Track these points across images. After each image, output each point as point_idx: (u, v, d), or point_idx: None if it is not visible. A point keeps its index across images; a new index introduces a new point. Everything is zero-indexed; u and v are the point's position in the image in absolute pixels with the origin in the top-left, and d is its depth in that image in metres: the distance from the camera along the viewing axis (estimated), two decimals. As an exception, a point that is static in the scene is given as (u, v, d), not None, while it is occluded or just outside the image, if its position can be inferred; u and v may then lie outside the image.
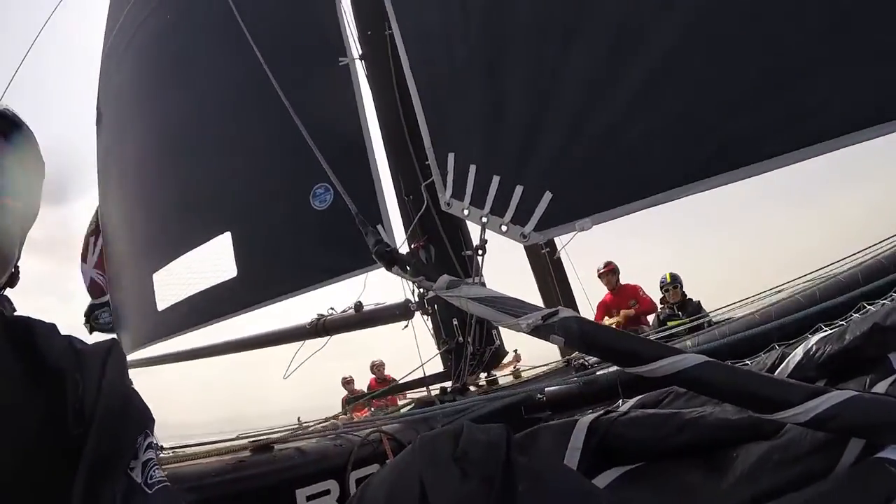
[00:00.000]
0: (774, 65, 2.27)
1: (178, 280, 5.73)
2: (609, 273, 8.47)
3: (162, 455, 2.47)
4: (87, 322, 6.94)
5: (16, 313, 1.07)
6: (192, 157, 5.77)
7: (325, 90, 4.60)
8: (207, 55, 5.80)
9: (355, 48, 4.89)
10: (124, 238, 6.76)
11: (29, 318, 1.00)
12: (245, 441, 2.85)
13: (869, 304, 2.30)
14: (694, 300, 7.57)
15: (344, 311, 4.78)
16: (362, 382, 10.70)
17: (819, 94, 2.17)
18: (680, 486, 1.77)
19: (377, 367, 10.30)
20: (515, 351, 6.61)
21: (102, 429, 0.89)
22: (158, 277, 5.96)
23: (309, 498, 2.36)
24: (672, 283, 7.69)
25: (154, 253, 6.04)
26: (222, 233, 5.22)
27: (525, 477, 1.48)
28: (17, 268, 1.10)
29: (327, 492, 2.42)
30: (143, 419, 1.02)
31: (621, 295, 8.42)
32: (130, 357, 6.43)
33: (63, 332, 1.01)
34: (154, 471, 0.96)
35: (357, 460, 2.53)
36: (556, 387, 3.46)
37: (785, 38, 2.27)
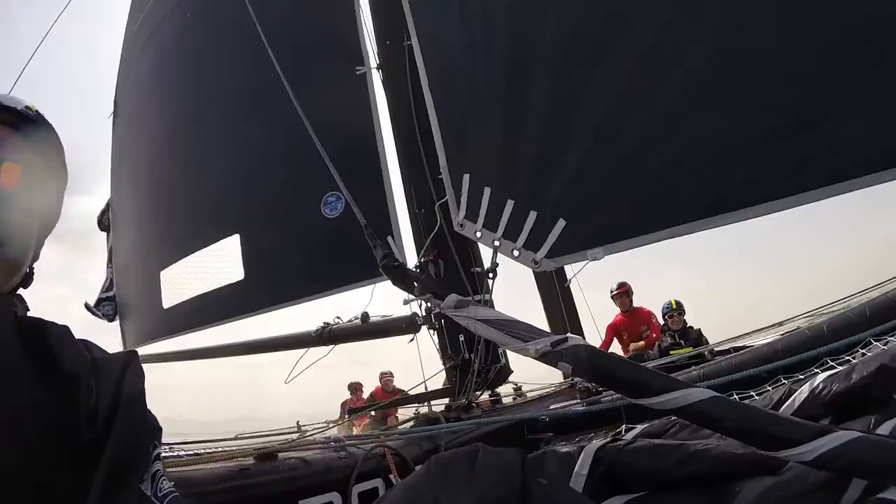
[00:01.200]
0: (799, 102, 2.28)
1: (185, 279, 5.76)
2: (623, 294, 8.36)
3: (166, 457, 2.48)
4: (88, 307, 6.97)
5: (29, 313, 1.05)
6: (204, 157, 5.80)
7: (340, 98, 4.63)
8: (223, 59, 5.84)
9: (373, 57, 4.91)
10: (134, 233, 6.79)
11: (43, 321, 0.98)
12: (248, 444, 2.85)
13: (876, 341, 2.30)
14: (694, 328, 7.52)
15: (350, 320, 4.78)
16: (367, 392, 10.68)
17: (849, 133, 2.18)
18: (682, 518, 1.79)
19: (385, 378, 10.29)
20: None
21: (121, 439, 0.89)
22: (166, 275, 5.99)
23: (311, 509, 2.37)
24: (678, 310, 7.62)
25: (162, 250, 6.08)
26: (231, 235, 5.25)
27: (539, 502, 1.50)
28: (31, 268, 1.09)
29: None
30: (155, 431, 1.03)
31: (634, 317, 8.33)
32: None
33: (79, 322, 0.99)
34: (162, 482, 0.97)
35: (360, 474, 2.54)
36: (560, 408, 3.47)
37: (815, 76, 2.28)
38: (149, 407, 1.03)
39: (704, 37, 2.50)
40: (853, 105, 2.19)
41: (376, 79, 4.80)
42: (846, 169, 2.16)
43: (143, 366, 1.05)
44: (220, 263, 5.35)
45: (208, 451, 2.72)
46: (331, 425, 6.36)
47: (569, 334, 2.15)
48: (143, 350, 6.46)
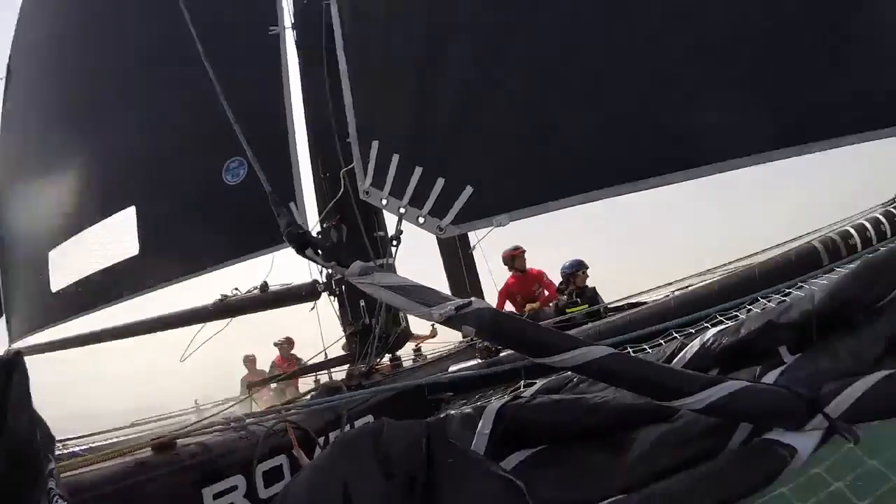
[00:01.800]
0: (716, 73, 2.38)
1: (76, 258, 5.40)
2: (518, 256, 8.46)
3: (61, 455, 2.34)
4: None
5: None
6: (101, 124, 5.44)
7: (250, 59, 4.44)
8: (125, 18, 5.47)
9: (288, 17, 4.74)
10: (21, 208, 6.32)
11: None
12: (146, 431, 2.72)
13: (763, 299, 2.43)
14: (590, 286, 7.68)
15: (249, 291, 4.66)
16: (267, 363, 10.40)
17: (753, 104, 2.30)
18: (582, 466, 1.84)
19: (283, 345, 9.97)
20: (433, 326, 6.57)
21: (11, 460, 0.85)
22: (54, 255, 5.62)
23: (216, 496, 2.30)
24: (585, 267, 7.74)
25: (52, 227, 5.68)
26: (126, 207, 4.97)
27: (446, 474, 1.50)
28: None
29: (235, 488, 2.37)
30: (46, 442, 0.98)
31: (526, 279, 8.27)
32: (23, 343, 6.07)
33: None
34: (56, 501, 0.92)
35: (263, 453, 2.49)
36: (459, 368, 3.51)
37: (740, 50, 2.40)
38: (38, 411, 0.97)
39: (628, 11, 2.58)
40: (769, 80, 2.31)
41: (290, 40, 4.63)
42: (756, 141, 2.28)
43: (31, 357, 0.97)
44: (114, 238, 5.06)
45: (105, 442, 2.60)
46: (230, 403, 6.20)
47: (473, 298, 2.16)
48: (29, 340, 6.08)
